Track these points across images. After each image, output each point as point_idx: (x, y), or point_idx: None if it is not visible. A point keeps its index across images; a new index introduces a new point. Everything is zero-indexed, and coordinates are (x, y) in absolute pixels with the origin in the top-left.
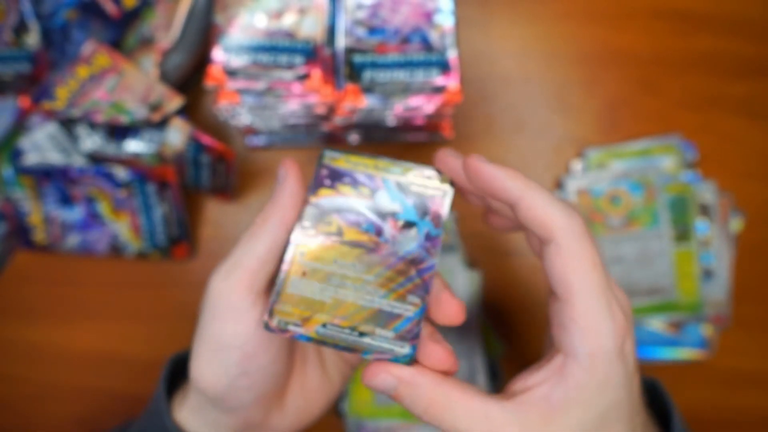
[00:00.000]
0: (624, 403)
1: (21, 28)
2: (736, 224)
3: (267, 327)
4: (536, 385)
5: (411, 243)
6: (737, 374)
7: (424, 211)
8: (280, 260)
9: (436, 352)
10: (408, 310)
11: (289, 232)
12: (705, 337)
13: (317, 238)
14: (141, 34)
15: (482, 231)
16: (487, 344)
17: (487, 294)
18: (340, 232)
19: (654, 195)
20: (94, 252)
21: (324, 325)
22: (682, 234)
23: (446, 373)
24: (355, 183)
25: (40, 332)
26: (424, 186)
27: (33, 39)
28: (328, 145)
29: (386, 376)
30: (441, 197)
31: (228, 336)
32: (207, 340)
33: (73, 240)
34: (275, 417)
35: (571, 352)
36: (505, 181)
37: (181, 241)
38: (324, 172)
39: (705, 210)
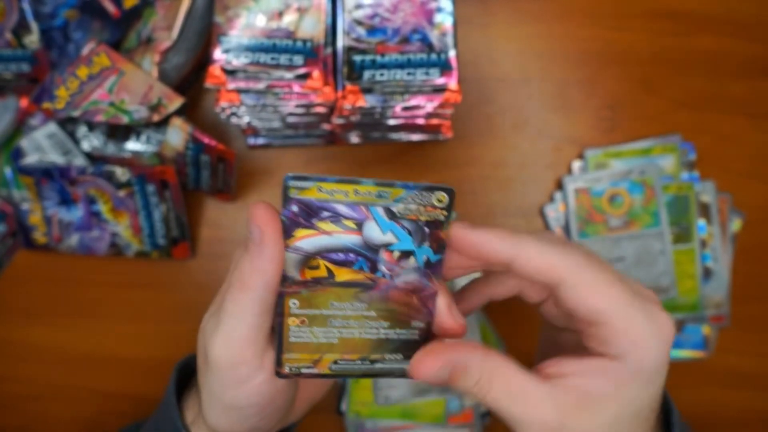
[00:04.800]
0: (657, 400)
1: (21, 28)
2: (736, 224)
3: (280, 375)
4: (573, 374)
5: (410, 273)
6: (737, 374)
7: (421, 237)
8: (275, 313)
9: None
10: (414, 334)
11: (276, 290)
12: (704, 337)
13: (307, 284)
14: (141, 34)
15: None
16: (486, 343)
17: None
18: (330, 275)
19: (654, 195)
20: (94, 252)
21: (336, 362)
22: (682, 234)
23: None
24: (336, 218)
25: (40, 332)
26: (418, 210)
27: (33, 39)
28: (325, 145)
29: (443, 367)
30: (440, 219)
31: (243, 400)
32: (222, 403)
33: (73, 240)
34: (289, 417)
35: (618, 357)
36: (494, 244)
37: (181, 241)
38: (294, 207)
39: (705, 210)
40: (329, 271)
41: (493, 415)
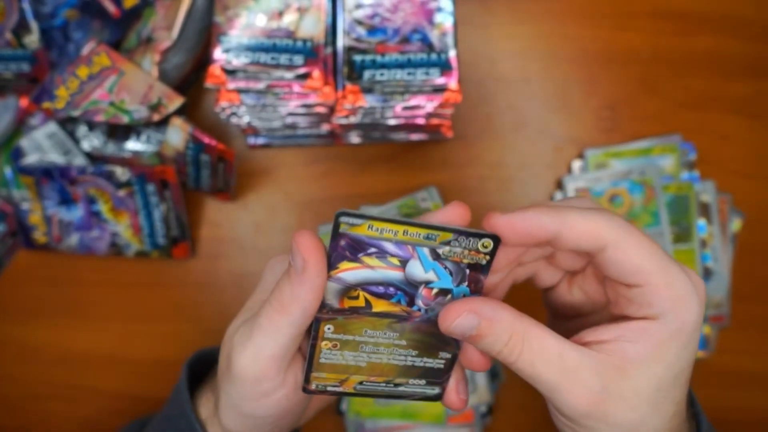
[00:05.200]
0: (692, 363)
1: (21, 28)
2: (736, 224)
3: (306, 391)
4: (613, 339)
5: (442, 306)
6: (737, 374)
7: (461, 278)
8: (305, 336)
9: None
10: (440, 363)
11: (313, 315)
12: (704, 337)
13: (344, 312)
14: (141, 34)
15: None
16: None
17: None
18: (368, 305)
19: (654, 195)
20: (94, 252)
21: (361, 383)
22: (682, 234)
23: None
24: (382, 254)
25: (41, 332)
26: (462, 253)
27: (33, 39)
28: (327, 144)
29: (468, 315)
30: (482, 263)
31: (262, 412)
32: (239, 411)
33: (73, 240)
34: (301, 420)
35: (658, 317)
36: (541, 221)
37: (181, 241)
38: (343, 242)
39: (705, 210)
40: (367, 302)
41: (494, 415)
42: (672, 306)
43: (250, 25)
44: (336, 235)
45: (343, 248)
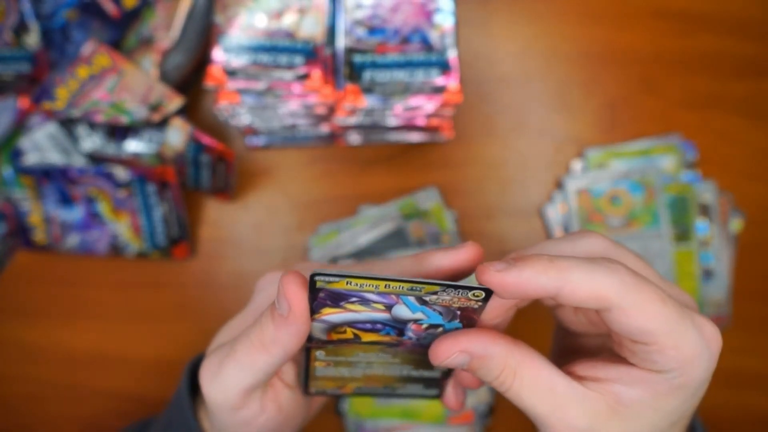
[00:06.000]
0: (695, 408)
1: (21, 28)
2: (736, 224)
3: (307, 393)
4: (609, 380)
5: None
6: (737, 374)
7: (452, 317)
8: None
9: None
10: (435, 373)
11: (294, 354)
12: None
13: (333, 343)
14: (141, 34)
15: (482, 230)
16: None
17: None
18: (357, 337)
19: (654, 195)
20: (94, 252)
21: (359, 387)
22: (682, 234)
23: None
24: (365, 302)
25: (40, 332)
26: (452, 300)
27: (33, 39)
28: (327, 144)
29: (459, 355)
30: (474, 307)
31: None
32: None
33: (73, 240)
34: (304, 424)
35: (662, 372)
36: (539, 281)
37: (181, 241)
38: (322, 294)
39: (705, 210)
40: (356, 335)
41: (494, 415)
42: (678, 365)
43: (250, 26)
44: (313, 290)
45: (323, 299)
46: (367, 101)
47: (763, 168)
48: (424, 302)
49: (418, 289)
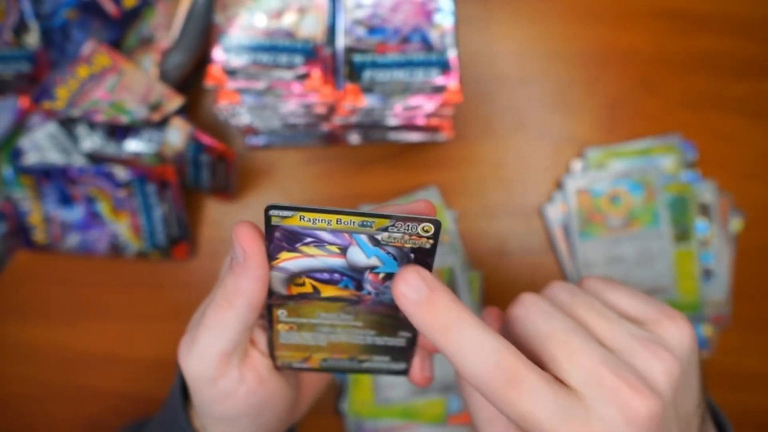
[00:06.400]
0: None
1: (21, 28)
2: (736, 224)
3: (276, 366)
4: None
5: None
6: (737, 374)
7: (407, 262)
8: (254, 327)
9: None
10: (400, 341)
11: (260, 307)
12: (705, 337)
13: (293, 298)
14: (141, 34)
15: (482, 230)
16: None
17: (487, 294)
18: (316, 291)
19: (654, 195)
20: (94, 252)
21: (325, 360)
22: (682, 234)
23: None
24: (320, 243)
25: (40, 332)
26: (403, 238)
27: (33, 39)
28: (324, 145)
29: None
30: (426, 247)
31: (232, 413)
32: (213, 419)
33: (73, 240)
34: (295, 416)
35: None
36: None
37: (181, 241)
38: (277, 234)
39: (705, 210)
40: (315, 288)
41: None
42: None
43: (250, 25)
44: (269, 228)
45: (278, 239)
46: (367, 101)
47: (763, 168)
48: (377, 243)
49: (369, 224)
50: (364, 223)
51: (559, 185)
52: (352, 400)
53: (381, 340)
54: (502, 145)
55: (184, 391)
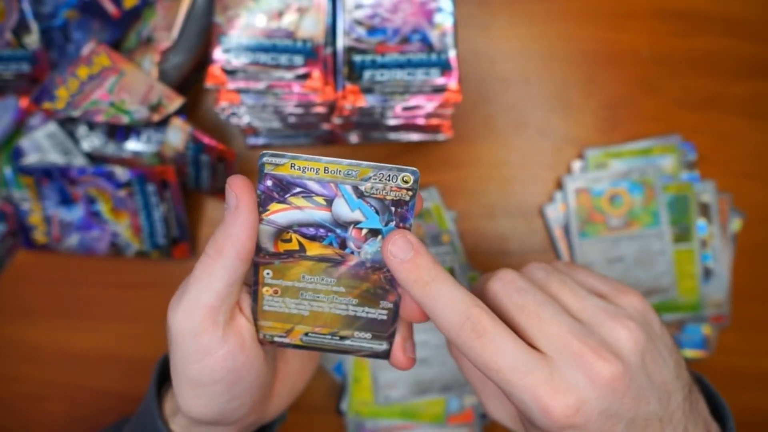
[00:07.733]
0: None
1: (21, 28)
2: (736, 224)
3: (258, 339)
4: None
5: (378, 254)
6: (737, 374)
7: (388, 217)
8: (242, 285)
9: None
10: (381, 314)
11: (248, 260)
12: (705, 337)
13: (279, 256)
14: (141, 34)
15: (482, 230)
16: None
17: None
18: (302, 248)
19: (654, 195)
20: (94, 252)
21: (306, 334)
22: (682, 234)
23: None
24: (307, 194)
25: (40, 332)
26: (385, 189)
27: (33, 39)
28: (324, 145)
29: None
30: (405, 199)
31: (208, 375)
32: (188, 380)
33: (73, 240)
34: (268, 408)
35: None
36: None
37: (181, 241)
38: (269, 182)
39: (705, 210)
40: (301, 244)
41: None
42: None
43: (250, 26)
44: (262, 175)
45: (270, 189)
46: (367, 101)
47: (763, 168)
48: (360, 194)
49: (354, 173)
50: (350, 172)
51: (559, 185)
52: (353, 399)
53: (362, 311)
54: (502, 145)
55: (159, 390)
